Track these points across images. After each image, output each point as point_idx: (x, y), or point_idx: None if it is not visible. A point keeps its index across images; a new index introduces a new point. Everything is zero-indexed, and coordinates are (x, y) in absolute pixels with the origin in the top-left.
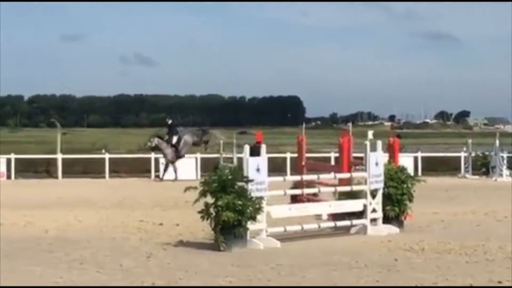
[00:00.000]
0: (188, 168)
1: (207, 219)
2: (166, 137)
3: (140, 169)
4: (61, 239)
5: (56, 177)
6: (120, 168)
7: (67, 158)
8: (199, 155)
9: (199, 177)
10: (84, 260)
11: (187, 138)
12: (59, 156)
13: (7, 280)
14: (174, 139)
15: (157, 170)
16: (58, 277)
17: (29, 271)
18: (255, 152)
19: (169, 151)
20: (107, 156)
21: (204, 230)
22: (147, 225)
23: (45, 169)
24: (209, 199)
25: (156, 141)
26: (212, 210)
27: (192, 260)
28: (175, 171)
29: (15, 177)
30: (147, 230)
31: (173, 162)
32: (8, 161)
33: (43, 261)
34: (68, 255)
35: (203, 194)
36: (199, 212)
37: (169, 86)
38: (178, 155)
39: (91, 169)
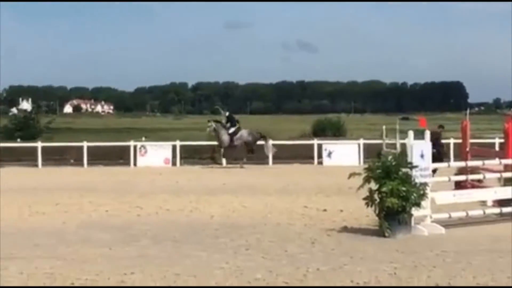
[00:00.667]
0: (351, 154)
1: (371, 205)
2: (227, 125)
3: (302, 155)
4: (227, 225)
5: (220, 164)
6: (283, 155)
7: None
8: (361, 141)
9: (361, 163)
10: (249, 246)
11: (244, 133)
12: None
13: (174, 265)
14: (232, 129)
15: (319, 156)
16: (224, 263)
17: (195, 256)
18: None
19: (226, 138)
20: (270, 142)
21: (368, 216)
22: (311, 211)
23: (209, 156)
24: (373, 185)
25: (215, 125)
26: (376, 196)
27: (357, 246)
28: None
29: (180, 164)
30: (311, 216)
31: (224, 149)
32: (173, 147)
33: (209, 246)
34: (234, 240)
35: (367, 180)
36: (364, 198)
37: (330, 72)
38: (231, 145)
39: (254, 156)
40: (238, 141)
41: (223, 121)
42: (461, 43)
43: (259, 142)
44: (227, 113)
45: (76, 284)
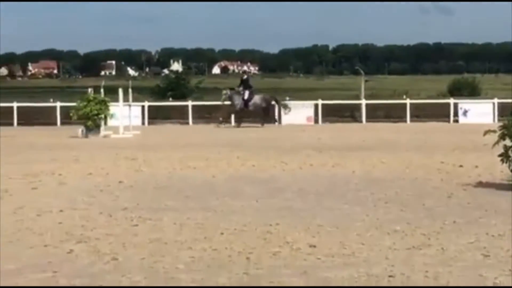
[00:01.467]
0: (486, 112)
1: (506, 161)
2: (240, 89)
3: (439, 114)
4: (367, 180)
5: (361, 121)
6: (420, 113)
7: (371, 103)
8: (496, 100)
9: (496, 121)
10: (388, 199)
11: (257, 99)
12: (363, 102)
13: (317, 216)
14: (246, 94)
15: (455, 115)
16: (364, 215)
17: (338, 208)
18: None
19: (239, 102)
20: (408, 101)
21: (502, 172)
22: (447, 166)
23: (350, 114)
24: (508, 142)
25: (229, 92)
26: (510, 152)
27: (491, 200)
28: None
29: (322, 122)
30: (448, 171)
31: (236, 112)
32: (316, 106)
33: (351, 199)
34: (373, 194)
35: (502, 137)
36: (499, 155)
37: (466, 34)
38: (246, 108)
39: (393, 114)
40: (252, 107)
41: (238, 86)
42: None
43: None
44: (245, 77)
45: (225, 234)
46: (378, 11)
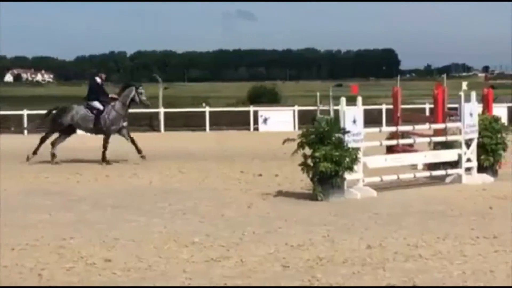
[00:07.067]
0: (286, 120)
1: (306, 170)
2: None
3: (239, 122)
4: (165, 190)
5: (159, 130)
6: (220, 121)
7: (169, 111)
8: (296, 108)
9: (296, 129)
10: (187, 210)
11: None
12: (161, 110)
13: (114, 229)
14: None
15: (255, 122)
16: (162, 227)
17: (134, 220)
18: None
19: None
20: (207, 109)
21: (302, 180)
22: (247, 176)
23: (147, 123)
24: (307, 151)
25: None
26: (310, 161)
27: (291, 209)
28: None
29: None
30: (247, 181)
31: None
32: None
33: (148, 211)
34: (171, 205)
35: (301, 145)
36: (300, 164)
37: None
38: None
39: (192, 123)
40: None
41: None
42: (392, 11)
43: None
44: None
45: (16, 249)
46: (178, 16)
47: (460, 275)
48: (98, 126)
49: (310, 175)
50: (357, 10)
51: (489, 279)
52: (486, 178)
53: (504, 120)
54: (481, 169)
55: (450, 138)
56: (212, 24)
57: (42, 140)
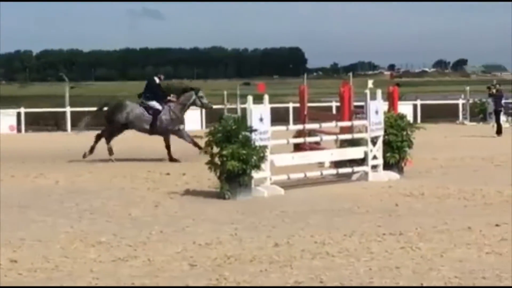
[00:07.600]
0: (194, 119)
1: (214, 169)
2: None
3: None
4: (72, 190)
5: (66, 130)
6: None
7: (76, 111)
8: None
9: (204, 128)
10: (94, 210)
11: None
12: (68, 109)
13: (20, 230)
14: None
15: None
16: (69, 227)
17: (41, 221)
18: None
19: None
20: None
21: (210, 179)
22: (154, 175)
23: (54, 122)
24: (215, 149)
25: None
26: (217, 159)
27: (199, 208)
28: None
29: (25, 131)
30: (155, 180)
31: None
32: (18, 115)
33: (54, 211)
34: (78, 205)
35: (208, 144)
36: (207, 163)
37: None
38: None
39: (99, 122)
40: None
41: None
42: (299, 10)
43: None
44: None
45: None
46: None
47: (367, 272)
48: (154, 127)
49: (218, 174)
50: (264, 9)
51: (395, 275)
52: (392, 175)
53: (410, 117)
54: (387, 166)
55: (356, 136)
56: (118, 23)
57: (98, 138)
